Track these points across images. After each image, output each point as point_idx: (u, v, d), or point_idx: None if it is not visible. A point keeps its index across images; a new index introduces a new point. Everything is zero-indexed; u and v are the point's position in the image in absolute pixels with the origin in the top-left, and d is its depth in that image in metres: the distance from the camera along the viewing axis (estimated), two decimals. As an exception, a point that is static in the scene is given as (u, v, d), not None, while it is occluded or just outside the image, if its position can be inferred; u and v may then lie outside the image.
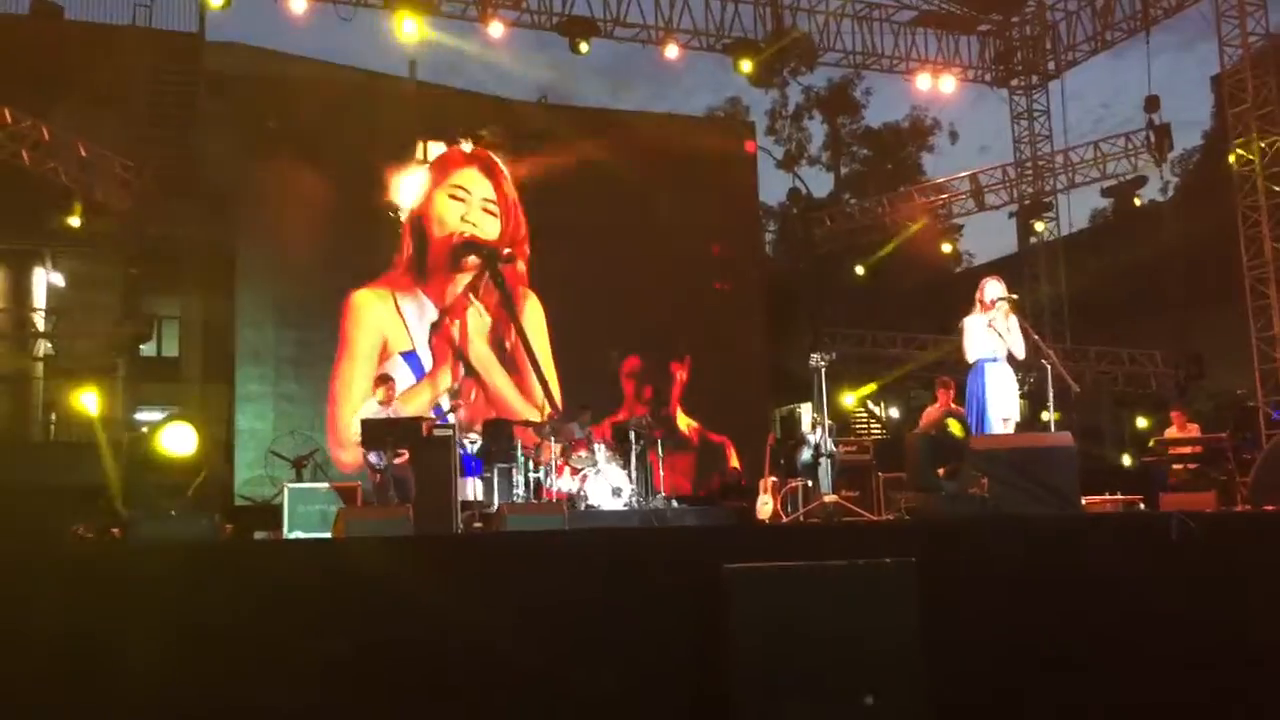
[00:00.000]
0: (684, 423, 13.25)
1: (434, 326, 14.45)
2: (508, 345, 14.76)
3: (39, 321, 17.36)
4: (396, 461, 8.86)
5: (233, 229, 15.08)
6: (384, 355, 14.18)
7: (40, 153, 14.68)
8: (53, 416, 17.26)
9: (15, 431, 16.55)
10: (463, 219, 14.86)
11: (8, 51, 14.58)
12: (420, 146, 15.29)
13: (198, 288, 17.65)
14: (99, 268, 17.00)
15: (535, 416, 13.34)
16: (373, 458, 9.07)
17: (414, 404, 13.30)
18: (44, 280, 18.15)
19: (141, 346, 16.87)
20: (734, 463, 13.40)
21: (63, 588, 4.58)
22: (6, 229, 16.88)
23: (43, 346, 17.33)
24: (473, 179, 15.10)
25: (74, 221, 15.01)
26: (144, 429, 11.17)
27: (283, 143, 14.32)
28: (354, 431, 9.41)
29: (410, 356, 14.37)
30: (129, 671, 4.49)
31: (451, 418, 12.86)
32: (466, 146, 15.18)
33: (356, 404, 13.25)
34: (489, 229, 14.88)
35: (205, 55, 17.04)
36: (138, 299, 16.46)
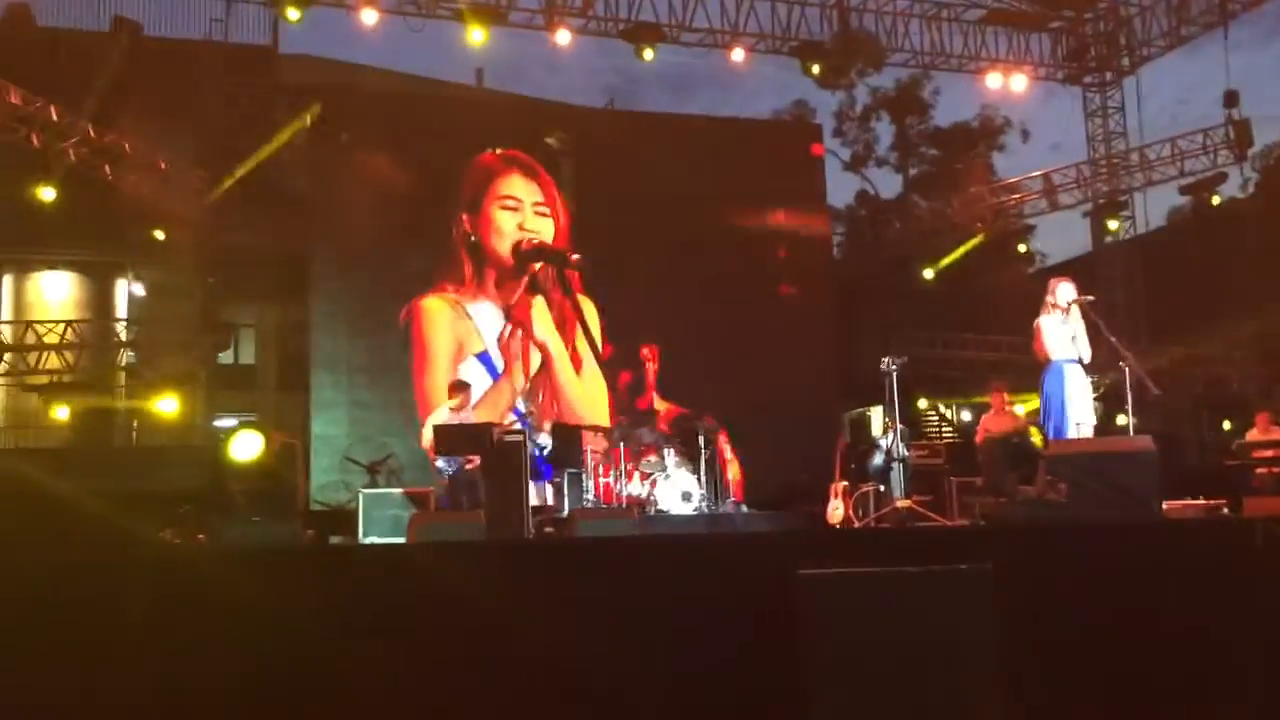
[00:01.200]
0: (661, 408, 13.13)
1: (504, 327, 14.52)
2: (573, 347, 14.78)
3: (121, 331, 17.83)
4: (467, 466, 8.94)
5: (306, 238, 15.35)
6: (459, 358, 14.32)
7: (122, 167, 15.10)
8: (135, 424, 17.72)
9: (99, 439, 16.99)
10: (520, 227, 14.83)
11: (89, 68, 14.99)
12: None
13: (273, 296, 18.03)
14: (178, 278, 17.42)
15: (601, 419, 13.38)
16: (441, 463, 9.17)
17: (495, 405, 13.42)
18: (125, 291, 18.65)
19: (220, 354, 17.24)
20: (723, 445, 13.13)
21: (150, 591, 4.70)
22: (90, 242, 17.38)
23: (125, 355, 17.81)
24: (520, 186, 15.06)
25: (158, 235, 15.43)
26: (222, 436, 11.44)
27: (354, 153, 14.55)
28: (426, 440, 9.51)
29: (484, 357, 14.48)
30: (214, 673, 4.60)
31: (530, 420, 12.96)
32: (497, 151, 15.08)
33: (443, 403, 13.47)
34: (546, 232, 14.92)
35: (278, 68, 17.41)
36: (216, 308, 16.83)
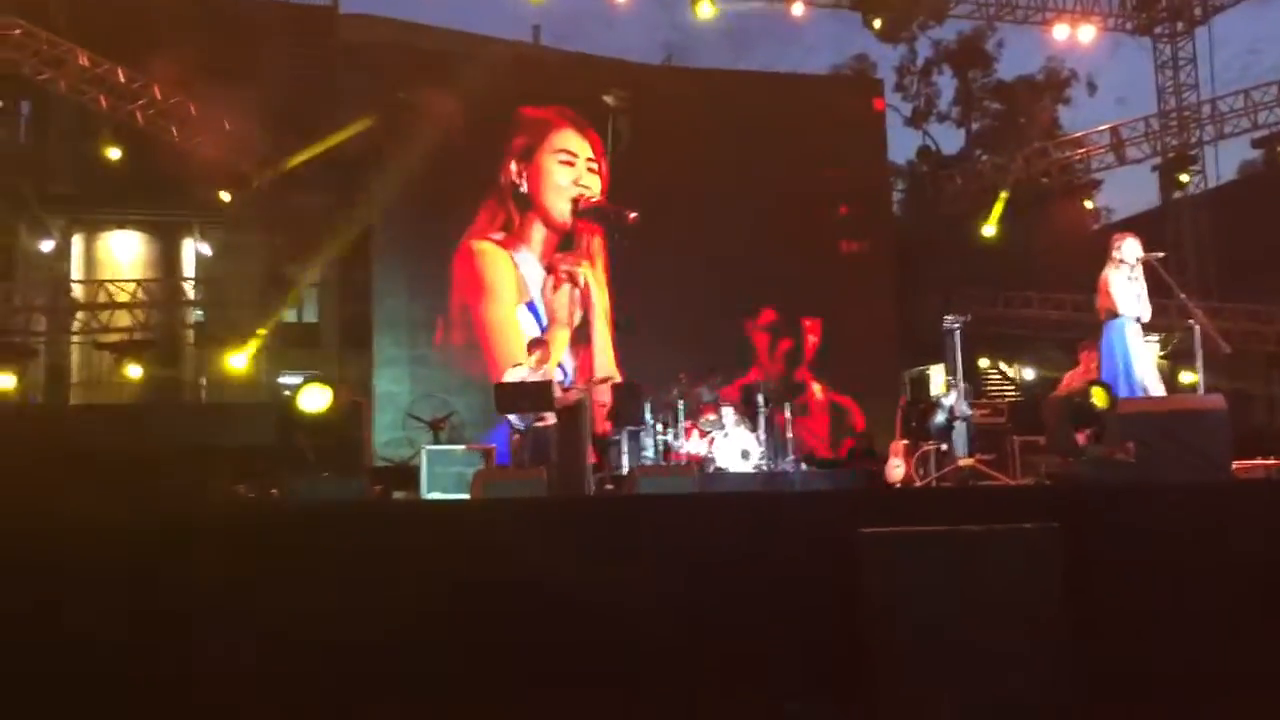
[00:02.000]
0: (816, 385, 13.13)
1: (547, 278, 14.67)
2: (605, 308, 14.91)
3: (189, 290, 18.16)
4: (538, 425, 9.04)
5: (368, 198, 15.48)
6: (517, 299, 14.53)
7: (188, 127, 15.32)
8: (203, 380, 18.08)
9: (170, 395, 17.38)
10: (575, 183, 14.95)
11: (155, 29, 15.19)
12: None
13: (336, 256, 18.22)
14: (244, 237, 17.67)
15: (612, 375, 13.61)
16: (514, 418, 9.29)
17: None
18: (193, 250, 18.97)
19: (284, 313, 17.51)
20: (860, 425, 13.20)
21: (225, 543, 4.83)
22: (158, 201, 17.68)
23: (193, 314, 18.15)
24: (574, 140, 15.16)
25: (225, 196, 15.66)
26: (289, 391, 11.63)
27: (414, 112, 14.60)
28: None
29: (531, 306, 14.67)
30: (289, 622, 4.72)
31: (570, 377, 13.08)
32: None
33: (515, 341, 13.63)
34: (595, 187, 15.04)
35: (340, 28, 17.50)
36: (280, 267, 17.07)
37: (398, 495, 9.77)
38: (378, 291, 14.99)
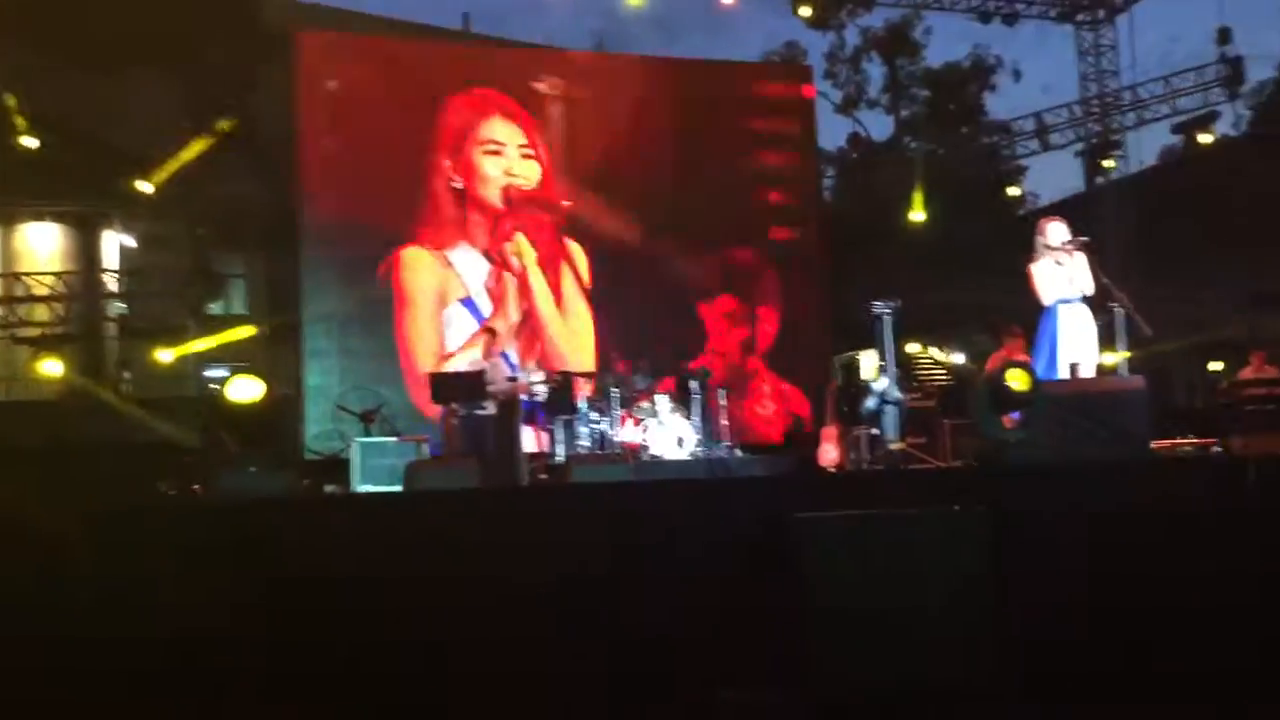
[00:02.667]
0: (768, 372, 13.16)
1: (489, 270, 14.51)
2: (558, 288, 14.77)
3: (110, 283, 17.74)
4: (477, 413, 9.00)
5: (294, 187, 15.21)
6: (442, 305, 14.31)
7: (108, 116, 14.95)
8: (126, 375, 17.68)
9: (91, 391, 16.95)
10: (507, 173, 14.74)
11: (74, 15, 14.78)
12: (477, 99, 15.24)
13: (262, 246, 17.91)
14: (167, 229, 17.29)
15: (585, 360, 13.49)
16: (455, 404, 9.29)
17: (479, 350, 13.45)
18: (114, 242, 18.52)
19: (210, 305, 17.18)
20: (806, 411, 13.27)
21: (146, 541, 4.72)
22: (77, 192, 17.23)
23: (114, 307, 17.73)
24: (502, 129, 14.90)
25: (145, 187, 15.27)
26: (214, 386, 11.41)
27: (340, 100, 14.39)
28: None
29: (468, 302, 14.47)
30: (211, 621, 4.63)
31: (518, 369, 12.98)
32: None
33: (429, 350, 13.54)
34: (533, 174, 14.82)
35: (264, 14, 17.17)
36: (205, 259, 16.74)
37: (329, 489, 9.65)
38: (306, 283, 14.73)
